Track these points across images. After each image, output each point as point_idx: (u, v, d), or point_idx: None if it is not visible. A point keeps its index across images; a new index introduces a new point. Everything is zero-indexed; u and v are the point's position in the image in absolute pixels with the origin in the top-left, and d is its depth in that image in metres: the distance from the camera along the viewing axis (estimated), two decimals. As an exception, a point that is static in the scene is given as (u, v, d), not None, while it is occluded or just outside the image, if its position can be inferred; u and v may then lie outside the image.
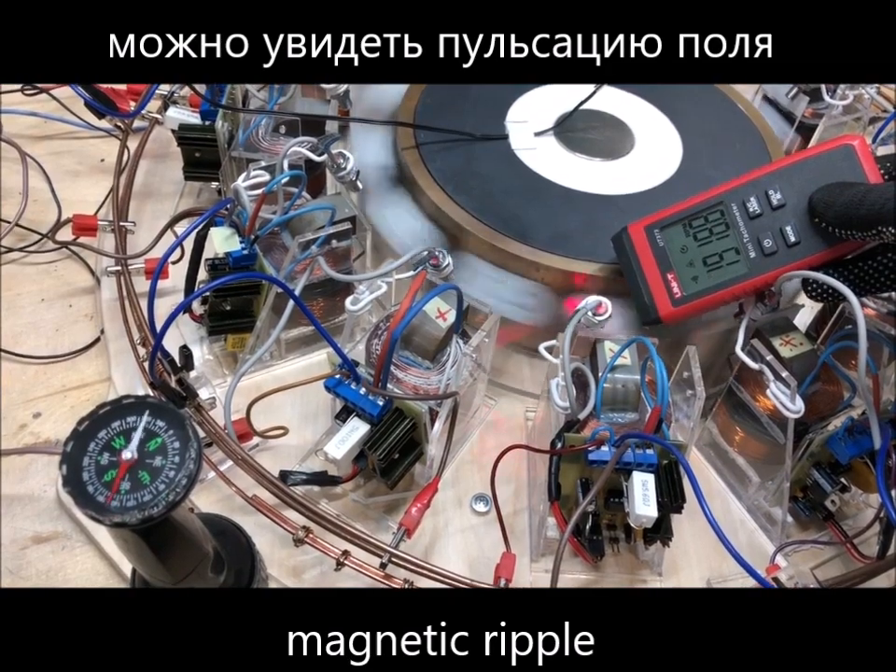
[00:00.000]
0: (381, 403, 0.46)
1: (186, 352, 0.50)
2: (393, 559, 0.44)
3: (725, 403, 0.53)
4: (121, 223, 0.63)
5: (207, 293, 0.53)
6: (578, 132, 0.65)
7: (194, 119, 0.66)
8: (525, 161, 0.62)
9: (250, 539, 0.45)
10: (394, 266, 0.50)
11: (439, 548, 0.50)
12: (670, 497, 0.43)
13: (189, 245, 0.53)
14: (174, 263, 0.58)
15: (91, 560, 0.49)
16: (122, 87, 0.73)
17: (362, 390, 0.46)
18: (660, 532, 0.45)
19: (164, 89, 0.69)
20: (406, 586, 0.44)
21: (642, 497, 0.43)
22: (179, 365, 0.49)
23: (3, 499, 0.51)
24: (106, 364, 0.59)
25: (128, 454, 0.32)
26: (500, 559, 0.46)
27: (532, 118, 0.65)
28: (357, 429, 0.46)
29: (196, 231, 0.52)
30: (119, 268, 0.60)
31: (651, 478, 0.43)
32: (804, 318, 0.58)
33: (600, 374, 0.48)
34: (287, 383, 0.49)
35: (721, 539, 0.40)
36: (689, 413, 0.47)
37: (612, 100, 0.68)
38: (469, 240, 0.56)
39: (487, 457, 0.52)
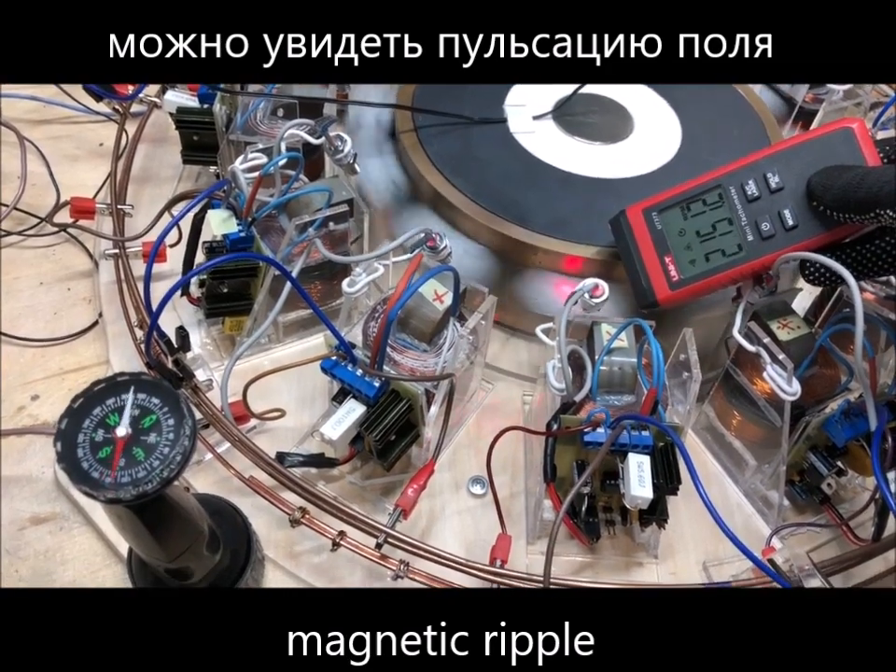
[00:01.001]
0: (377, 385, 0.46)
1: (182, 333, 0.50)
2: (389, 540, 0.44)
3: (722, 387, 0.53)
4: (119, 206, 0.63)
5: (204, 275, 0.53)
6: (577, 115, 0.65)
7: (192, 102, 0.66)
8: (523, 145, 0.61)
9: (246, 519, 0.45)
10: (391, 248, 0.50)
11: (436, 530, 0.50)
12: (666, 479, 0.43)
13: (186, 228, 0.53)
14: (171, 246, 0.58)
15: (89, 541, 0.49)
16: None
17: (359, 372, 0.46)
18: (656, 514, 0.45)
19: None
20: (402, 566, 0.44)
21: (637, 478, 0.43)
22: (176, 346, 0.49)
23: (2, 481, 0.51)
24: (104, 347, 0.59)
25: (122, 430, 0.32)
26: (496, 540, 0.47)
27: (531, 101, 0.65)
28: (353, 411, 0.46)
29: (193, 212, 0.51)
30: (116, 251, 0.60)
31: (646, 459, 0.43)
32: (802, 303, 0.58)
33: (597, 357, 0.48)
34: (283, 365, 0.49)
35: (716, 521, 0.40)
36: (685, 396, 0.47)
37: (611, 84, 0.68)
38: (467, 223, 0.56)
39: (484, 441, 0.51)
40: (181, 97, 0.66)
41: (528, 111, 0.64)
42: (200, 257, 0.54)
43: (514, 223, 0.55)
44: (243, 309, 0.55)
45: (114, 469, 0.31)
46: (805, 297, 0.58)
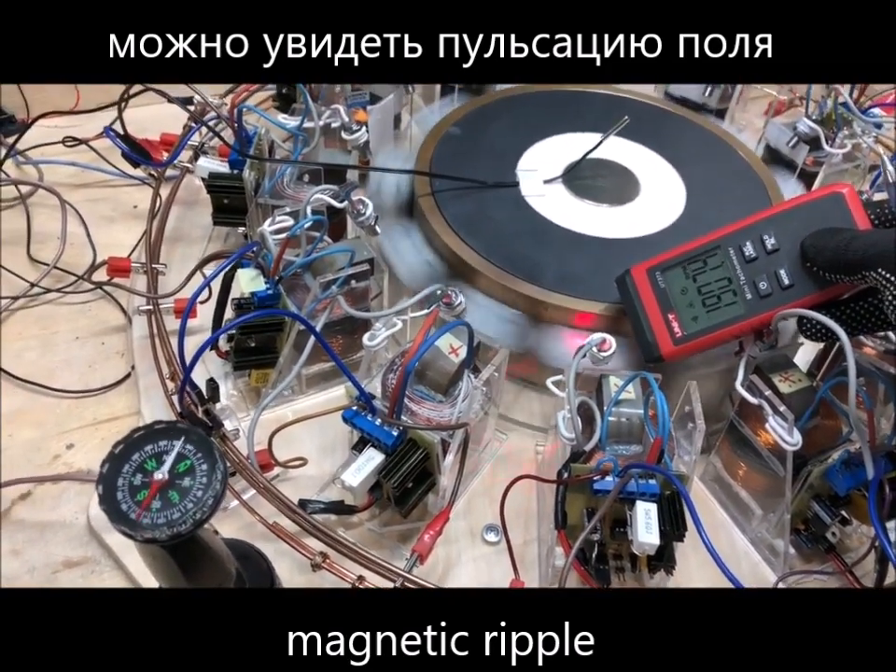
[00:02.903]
0: (395, 434, 0.48)
1: (213, 384, 0.53)
2: (406, 584, 0.46)
3: (728, 438, 0.55)
4: (153, 265, 0.67)
5: (233, 330, 0.56)
6: (585, 179, 0.68)
7: (223, 168, 0.70)
8: (534, 207, 0.65)
9: (270, 563, 0.47)
10: (408, 304, 0.53)
11: (451, 577, 0.52)
12: (672, 526, 0.45)
13: (216, 285, 0.57)
14: (202, 303, 0.61)
15: (119, 583, 0.51)
16: (156, 138, 0.78)
17: (378, 421, 0.49)
18: (663, 560, 0.47)
19: (195, 140, 0.74)
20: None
21: (645, 525, 0.44)
22: (206, 397, 0.52)
23: (36, 526, 0.53)
24: (136, 399, 0.62)
25: (160, 474, 0.34)
26: (509, 586, 0.48)
27: (542, 166, 0.69)
28: (372, 459, 0.48)
29: (223, 272, 0.55)
30: (150, 307, 0.63)
31: (653, 507, 0.45)
32: (806, 357, 0.60)
33: (605, 408, 0.50)
34: (306, 415, 0.51)
35: (719, 566, 0.41)
36: (691, 446, 0.49)
37: (619, 149, 0.71)
38: (481, 280, 0.59)
39: (498, 489, 0.53)
40: (212, 163, 0.71)
41: (539, 175, 0.68)
42: (229, 312, 0.57)
43: (526, 280, 0.58)
44: (268, 362, 0.58)
45: (142, 508, 0.33)
46: (808, 350, 0.60)
